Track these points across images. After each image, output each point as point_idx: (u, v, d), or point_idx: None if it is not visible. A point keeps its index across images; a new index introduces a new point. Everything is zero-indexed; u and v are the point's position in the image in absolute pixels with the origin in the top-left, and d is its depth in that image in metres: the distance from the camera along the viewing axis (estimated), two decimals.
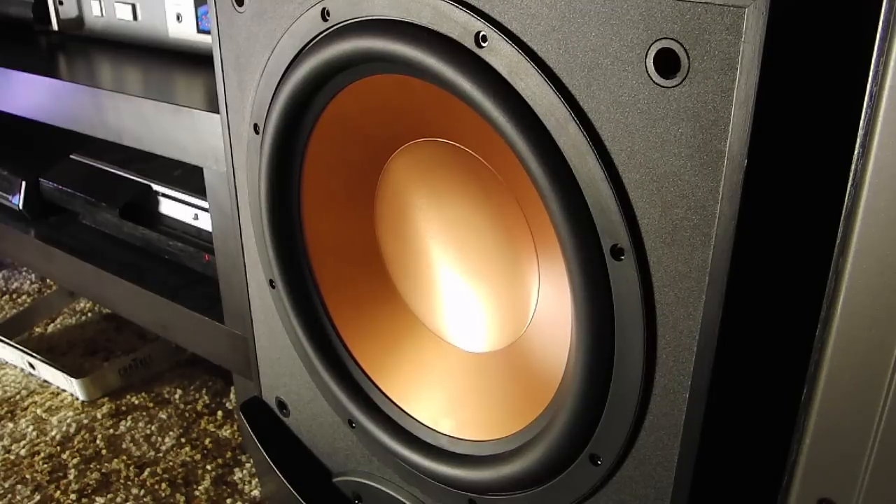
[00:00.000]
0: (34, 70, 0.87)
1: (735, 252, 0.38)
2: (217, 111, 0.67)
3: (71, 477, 0.86)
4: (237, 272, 0.73)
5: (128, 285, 0.89)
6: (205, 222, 0.87)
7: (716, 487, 0.46)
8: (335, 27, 0.52)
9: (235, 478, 0.86)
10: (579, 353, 0.46)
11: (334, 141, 0.58)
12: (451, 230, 0.58)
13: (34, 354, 1.04)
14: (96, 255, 0.95)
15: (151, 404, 0.99)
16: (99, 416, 0.97)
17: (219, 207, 0.75)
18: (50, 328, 1.17)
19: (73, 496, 0.83)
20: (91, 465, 0.88)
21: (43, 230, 1.03)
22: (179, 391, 1.01)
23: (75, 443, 0.92)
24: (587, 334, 0.45)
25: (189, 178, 0.91)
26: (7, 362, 1.08)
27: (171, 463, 0.88)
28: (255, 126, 0.60)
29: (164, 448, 0.91)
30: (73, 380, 0.98)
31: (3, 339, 1.09)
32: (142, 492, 0.84)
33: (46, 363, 1.02)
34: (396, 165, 0.59)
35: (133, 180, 0.95)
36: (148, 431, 0.94)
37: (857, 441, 0.38)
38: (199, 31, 0.88)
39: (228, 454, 0.90)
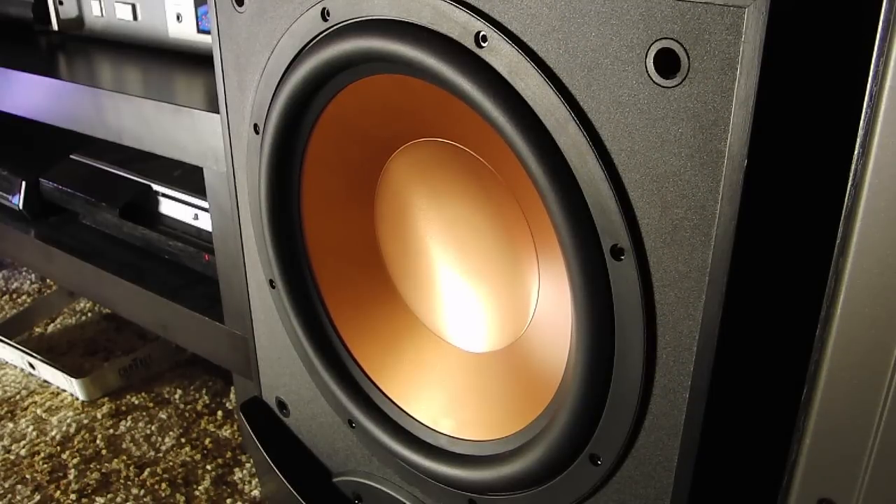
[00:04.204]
0: (34, 70, 0.87)
1: (735, 252, 0.38)
2: (217, 111, 0.67)
3: (71, 477, 0.86)
4: (237, 272, 0.73)
5: (128, 285, 0.89)
6: (205, 222, 0.87)
7: (716, 487, 0.46)
8: (335, 27, 0.52)
9: (235, 478, 0.86)
10: (579, 353, 0.46)
11: (334, 141, 0.58)
12: (451, 230, 0.58)
13: (34, 354, 1.04)
14: (96, 255, 0.95)
15: (151, 404, 0.99)
16: (99, 416, 0.97)
17: (219, 207, 0.75)
18: (50, 328, 1.17)
19: (73, 496, 0.83)
20: (91, 465, 0.88)
21: (43, 230, 1.03)
22: (179, 391, 1.01)
23: (75, 443, 0.92)
24: (587, 334, 0.45)
25: (189, 178, 0.91)
26: (7, 362, 1.08)
27: (171, 463, 0.88)
28: (255, 126, 0.60)
29: (164, 448, 0.91)
30: (73, 380, 0.98)
31: (3, 339, 1.09)
32: (142, 492, 0.84)
33: (46, 363, 1.02)
34: (396, 165, 0.59)
35: (133, 180, 0.95)
36: (148, 431, 0.94)
37: (857, 441, 0.38)
38: (199, 31, 0.88)
39: (228, 454, 0.90)
